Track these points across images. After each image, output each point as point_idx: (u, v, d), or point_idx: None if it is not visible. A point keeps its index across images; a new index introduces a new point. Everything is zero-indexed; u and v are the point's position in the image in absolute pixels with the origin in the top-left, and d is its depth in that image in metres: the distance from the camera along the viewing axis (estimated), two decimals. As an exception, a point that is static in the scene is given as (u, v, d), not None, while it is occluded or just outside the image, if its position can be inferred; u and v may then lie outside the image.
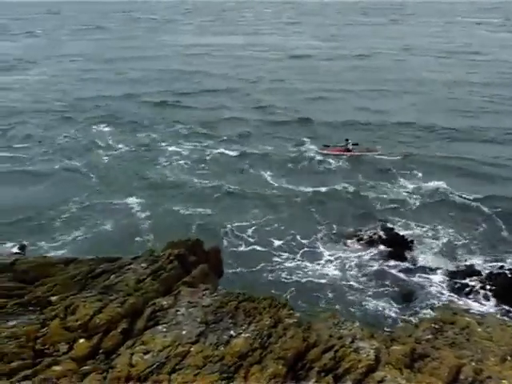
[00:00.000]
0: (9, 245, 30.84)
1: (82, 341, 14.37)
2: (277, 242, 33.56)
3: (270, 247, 32.92)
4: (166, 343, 13.90)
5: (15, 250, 28.63)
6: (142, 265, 18.67)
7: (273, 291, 26.30)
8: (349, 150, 49.78)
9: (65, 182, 42.88)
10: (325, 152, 49.84)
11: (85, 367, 13.41)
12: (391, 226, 34.85)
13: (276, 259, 31.52)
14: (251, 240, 33.79)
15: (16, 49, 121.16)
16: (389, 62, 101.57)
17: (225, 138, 54.60)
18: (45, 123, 60.66)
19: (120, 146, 52.24)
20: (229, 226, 35.44)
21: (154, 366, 13.07)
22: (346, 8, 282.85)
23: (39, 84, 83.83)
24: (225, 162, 48.00)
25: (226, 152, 50.11)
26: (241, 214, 37.30)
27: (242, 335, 14.31)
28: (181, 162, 47.75)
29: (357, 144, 49.59)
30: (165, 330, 14.56)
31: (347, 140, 50.17)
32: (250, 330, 14.51)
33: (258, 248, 32.94)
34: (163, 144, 52.64)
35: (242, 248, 32.86)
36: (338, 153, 49.72)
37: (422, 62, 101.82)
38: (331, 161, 47.87)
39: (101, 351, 14.13)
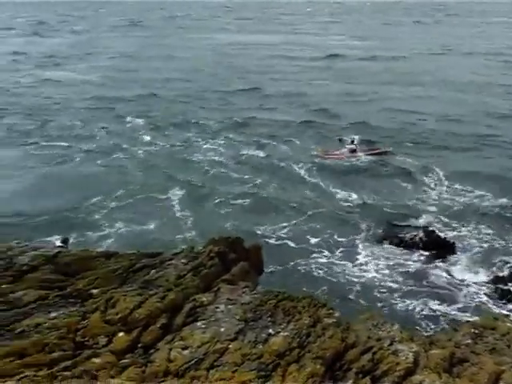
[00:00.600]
0: (52, 238, 31.64)
1: (121, 334, 14.70)
2: (315, 241, 33.55)
3: (309, 246, 32.92)
4: (204, 339, 14.10)
5: (58, 243, 29.24)
6: (183, 261, 18.95)
7: (311, 290, 26.27)
8: (355, 151, 48.98)
9: (106, 176, 43.68)
10: (326, 156, 48.93)
11: (124, 360, 13.71)
12: (431, 228, 34.42)
13: (314, 258, 31.52)
14: (290, 239, 33.82)
15: (60, 45, 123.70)
16: (428, 63, 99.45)
17: (260, 136, 54.64)
18: (84, 118, 61.93)
19: (157, 142, 53.02)
20: (267, 224, 35.58)
21: (192, 361, 13.27)
22: (387, 8, 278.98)
23: (80, 79, 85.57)
24: (260, 160, 48.12)
25: (262, 150, 50.22)
26: (279, 212, 37.40)
27: (281, 334, 14.40)
28: (217, 159, 48.15)
29: (353, 142, 49.36)
30: (204, 326, 14.77)
31: (352, 141, 49.45)
32: (288, 329, 14.60)
33: (297, 246, 32.97)
34: (199, 141, 53.19)
35: (281, 246, 32.92)
36: (342, 156, 48.78)
37: (463, 63, 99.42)
38: (362, 161, 47.50)
39: (140, 345, 14.42)
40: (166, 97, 72.99)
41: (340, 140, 49.71)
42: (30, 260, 20.99)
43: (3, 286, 19.00)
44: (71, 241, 31.10)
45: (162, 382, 12.71)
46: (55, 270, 20.46)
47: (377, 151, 49.51)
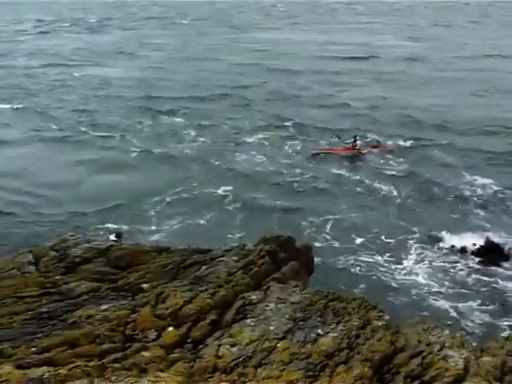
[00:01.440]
0: (106, 232, 32.53)
1: (170, 329, 15.13)
2: (362, 241, 33.22)
3: (357, 246, 32.67)
4: (253, 337, 14.38)
5: (112, 237, 29.95)
6: (234, 258, 19.33)
7: (361, 292, 26.25)
8: (356, 149, 48.23)
9: (157, 172, 44.39)
10: (320, 152, 48.44)
11: (172, 355, 14.12)
12: (484, 231, 33.83)
13: (363, 259, 31.26)
14: (337, 238, 33.79)
15: (105, 43, 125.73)
16: (481, 66, 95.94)
17: (307, 132, 54.51)
18: (127, 114, 62.73)
19: (202, 137, 53.44)
20: (314, 221, 35.64)
21: (241, 359, 13.56)
22: (445, 7, 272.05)
23: (124, 76, 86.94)
24: (307, 157, 48.14)
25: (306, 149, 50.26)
26: (324, 209, 37.30)
27: (330, 334, 14.55)
28: (262, 154, 48.37)
29: (355, 139, 48.38)
30: (253, 324, 15.06)
31: (355, 137, 48.59)
32: (338, 330, 14.74)
33: (345, 246, 32.71)
34: (244, 138, 53.46)
35: (329, 246, 32.86)
36: (342, 152, 48.18)
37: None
38: (404, 159, 47.00)
39: (189, 340, 14.81)
40: (208, 95, 73.34)
41: (338, 137, 49.31)
42: (83, 252, 21.76)
43: (57, 277, 19.79)
44: (124, 236, 31.82)
45: (210, 377, 13.03)
46: (107, 262, 21.18)
47: (380, 149, 49.32)
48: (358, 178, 43.43)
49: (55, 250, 22.48)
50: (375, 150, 48.74)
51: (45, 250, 22.61)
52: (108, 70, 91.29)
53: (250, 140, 52.82)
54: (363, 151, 48.20)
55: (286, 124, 58.09)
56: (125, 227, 33.91)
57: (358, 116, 61.38)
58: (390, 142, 50.76)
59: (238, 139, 53.09)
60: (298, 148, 50.51)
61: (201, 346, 14.45)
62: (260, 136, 54.05)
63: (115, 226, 33.88)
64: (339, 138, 48.59)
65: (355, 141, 48.16)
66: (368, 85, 79.98)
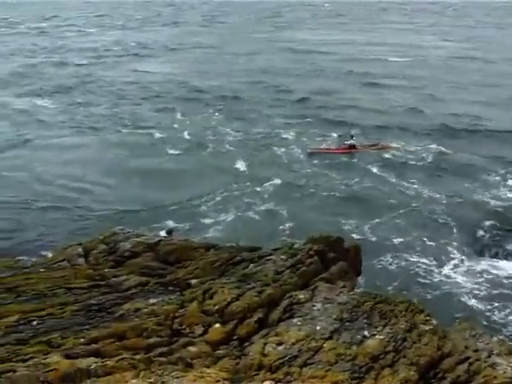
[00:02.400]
0: (157, 228, 33.15)
1: (217, 325, 15.43)
2: (410, 243, 33.19)
3: (405, 249, 32.59)
4: (299, 337, 14.54)
5: (163, 234, 30.49)
6: (282, 257, 19.54)
7: (407, 294, 26.14)
8: (354, 147, 48.40)
9: (203, 167, 44.93)
10: (321, 151, 48.60)
11: (218, 351, 14.41)
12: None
13: (410, 262, 31.13)
14: (384, 238, 33.71)
15: (147, 40, 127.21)
16: None
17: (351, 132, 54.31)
18: (172, 110, 63.94)
19: (242, 134, 53.95)
20: (360, 222, 35.58)
21: (286, 357, 13.73)
22: (498, 7, 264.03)
23: (164, 72, 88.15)
24: (345, 158, 48.05)
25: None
26: (369, 209, 37.20)
27: (376, 337, 14.61)
28: (301, 153, 48.53)
29: (352, 137, 48.73)
30: (299, 323, 15.23)
31: (352, 137, 48.75)
32: (384, 332, 14.78)
33: (392, 248, 32.74)
34: (286, 135, 53.66)
35: (376, 248, 32.78)
36: (340, 151, 48.30)
37: None
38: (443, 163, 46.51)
39: (235, 338, 15.09)
40: (246, 94, 73.44)
41: (339, 136, 49.12)
42: (133, 246, 22.32)
43: (106, 270, 20.38)
44: (175, 232, 32.36)
45: (255, 375, 13.26)
46: (156, 257, 21.68)
47: (378, 147, 48.91)
48: (395, 177, 43.32)
49: (105, 243, 23.14)
50: (373, 149, 48.93)
51: (95, 243, 23.29)
52: (149, 66, 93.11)
53: (286, 136, 53.11)
54: (360, 150, 48.22)
55: (317, 120, 58.14)
56: (174, 223, 34.52)
57: (395, 117, 61.12)
58: (393, 144, 50.70)
59: (277, 135, 53.38)
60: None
61: (246, 344, 14.68)
62: (296, 133, 54.20)
63: (166, 223, 34.56)
64: (352, 136, 49.05)
65: (351, 139, 48.37)
66: (410, 87, 78.69)
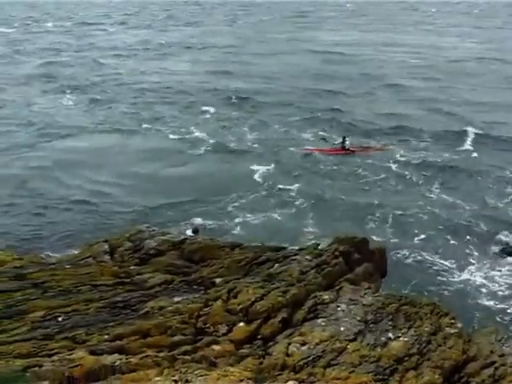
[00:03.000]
0: (183, 227, 33.41)
1: (241, 324, 15.58)
2: (432, 246, 32.88)
3: (433, 253, 32.35)
4: (323, 337, 14.63)
5: (189, 232, 30.71)
6: (307, 257, 19.63)
7: (432, 297, 26.04)
8: (345, 149, 47.69)
9: (227, 167, 45.09)
10: (311, 151, 48.15)
11: (242, 350, 14.56)
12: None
13: (433, 265, 30.89)
14: (413, 243, 33.55)
15: (171, 39, 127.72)
16: None
17: (365, 136, 53.88)
18: (195, 108, 64.22)
19: (260, 135, 53.88)
20: (390, 224, 35.46)
21: (310, 358, 13.84)
22: None
23: (185, 70, 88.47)
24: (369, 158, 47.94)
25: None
26: (396, 215, 37.04)
27: (401, 339, 14.63)
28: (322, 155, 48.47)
29: (344, 139, 47.87)
30: (323, 324, 15.31)
31: (344, 138, 48.06)
32: (408, 335, 14.79)
33: (421, 252, 32.58)
34: (308, 137, 53.68)
35: (404, 251, 32.67)
36: (332, 152, 47.50)
37: None
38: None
39: (259, 337, 15.23)
40: (267, 94, 73.24)
41: (324, 140, 48.79)
42: (158, 244, 22.60)
43: (131, 268, 20.67)
44: (201, 231, 32.60)
45: (279, 375, 13.38)
46: (181, 256, 21.92)
47: (371, 149, 48.68)
48: (412, 179, 43.20)
49: (130, 240, 23.46)
50: (365, 151, 48.74)
51: (120, 241, 23.62)
52: (172, 65, 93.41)
53: (305, 136, 53.15)
54: (352, 152, 48.10)
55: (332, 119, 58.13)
56: (200, 223, 34.74)
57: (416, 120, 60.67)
58: (386, 146, 50.26)
59: (297, 136, 53.46)
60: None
61: (270, 344, 14.82)
62: (315, 134, 54.15)
63: (192, 222, 34.80)
64: (325, 140, 48.69)
65: (344, 141, 48.08)
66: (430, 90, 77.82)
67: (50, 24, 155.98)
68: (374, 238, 32.35)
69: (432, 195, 40.34)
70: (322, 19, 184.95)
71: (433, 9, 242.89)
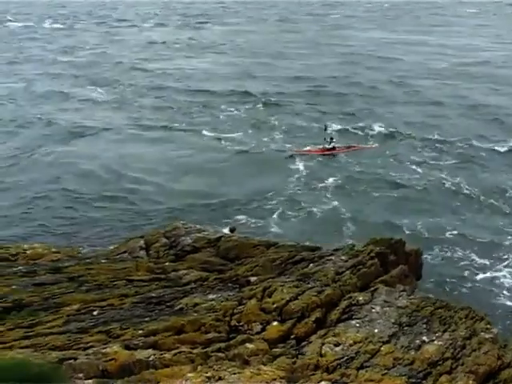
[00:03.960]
0: (220, 225, 33.70)
1: (275, 323, 15.70)
2: (471, 249, 32.75)
3: (471, 256, 32.16)
4: (357, 338, 14.68)
5: (226, 231, 30.99)
6: (342, 258, 19.71)
7: (469, 302, 25.88)
8: (333, 149, 48.15)
9: (262, 166, 45.23)
10: (302, 152, 48.22)
11: (276, 350, 14.68)
12: None
13: (470, 268, 30.79)
14: (449, 246, 33.29)
15: (199, 37, 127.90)
16: None
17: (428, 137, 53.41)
18: (224, 106, 64.78)
19: (292, 133, 53.94)
20: (421, 223, 35.33)
21: (343, 359, 13.90)
22: None
23: (211, 69, 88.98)
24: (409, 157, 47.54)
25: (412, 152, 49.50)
26: (438, 217, 36.76)
27: (435, 342, 14.59)
28: (379, 156, 48.19)
29: (332, 139, 48.22)
30: (358, 325, 15.37)
31: (332, 139, 48.25)
32: (443, 339, 14.74)
33: (457, 255, 32.35)
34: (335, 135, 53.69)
35: (441, 254, 32.43)
36: (319, 152, 47.96)
37: None
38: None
39: (292, 337, 15.35)
40: (295, 93, 72.91)
41: (325, 128, 49.31)
42: (194, 241, 22.90)
43: (166, 264, 20.98)
44: (238, 230, 32.85)
45: (312, 375, 13.48)
46: (216, 253, 22.17)
47: (356, 148, 49.10)
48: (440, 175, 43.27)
49: (166, 237, 23.80)
50: (351, 150, 49.18)
51: (156, 237, 23.97)
52: (199, 63, 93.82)
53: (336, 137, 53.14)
54: (339, 151, 48.08)
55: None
56: (236, 220, 35.04)
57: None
58: (370, 145, 50.76)
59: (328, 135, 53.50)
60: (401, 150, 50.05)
61: (304, 343, 14.89)
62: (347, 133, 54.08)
63: (228, 219, 35.11)
64: (331, 139, 48.91)
65: (331, 142, 47.83)
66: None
67: (78, 23, 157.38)
68: (412, 236, 32.36)
69: (458, 190, 40.20)
70: (350, 17, 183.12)
71: (471, 10, 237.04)
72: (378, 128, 55.54)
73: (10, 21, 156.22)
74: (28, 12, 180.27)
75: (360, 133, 54.67)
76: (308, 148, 49.51)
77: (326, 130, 49.33)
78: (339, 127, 55.99)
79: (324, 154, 48.41)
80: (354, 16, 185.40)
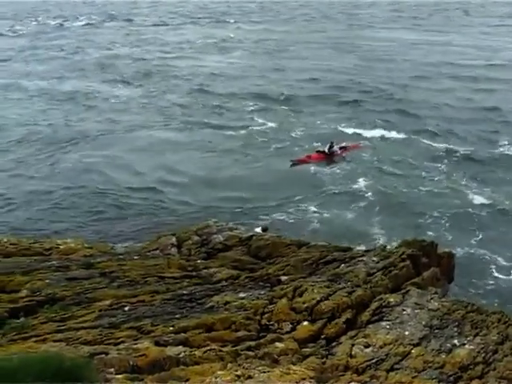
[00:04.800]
0: (252, 224, 33.90)
1: (305, 323, 15.80)
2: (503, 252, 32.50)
3: (503, 260, 31.88)
4: (387, 340, 14.70)
5: (258, 230, 31.17)
6: (374, 259, 19.75)
7: (501, 307, 25.59)
8: (331, 154, 46.75)
9: (296, 167, 45.45)
10: (298, 161, 46.26)
11: (305, 349, 14.78)
12: None
13: (508, 274, 30.49)
14: (481, 249, 32.99)
15: (223, 34, 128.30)
16: None
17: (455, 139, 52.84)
18: (250, 102, 65.52)
19: (316, 133, 53.72)
20: (457, 232, 35.00)
21: (373, 360, 13.93)
22: None
23: (238, 65, 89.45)
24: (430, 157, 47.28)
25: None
26: (469, 219, 36.48)
27: (466, 346, 14.54)
28: (412, 156, 47.88)
29: (332, 144, 46.76)
30: (388, 327, 15.38)
31: (332, 143, 46.81)
32: (475, 343, 14.66)
33: (489, 258, 32.03)
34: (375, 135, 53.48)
35: (473, 257, 32.18)
36: (318, 160, 46.42)
37: None
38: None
39: (322, 337, 15.43)
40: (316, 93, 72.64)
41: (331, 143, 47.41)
42: (225, 239, 23.12)
43: (198, 261, 21.22)
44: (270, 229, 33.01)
45: (342, 376, 13.55)
46: (248, 252, 22.36)
47: (350, 148, 48.30)
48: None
49: (198, 234, 24.06)
50: (345, 152, 48.24)
51: (188, 234, 24.24)
52: (226, 62, 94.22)
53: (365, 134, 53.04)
54: (337, 155, 47.39)
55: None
56: (268, 219, 35.18)
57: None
58: (361, 143, 50.56)
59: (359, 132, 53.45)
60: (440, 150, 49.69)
61: (334, 344, 14.95)
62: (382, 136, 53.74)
63: (260, 218, 35.27)
64: (332, 142, 47.38)
65: (331, 147, 46.82)
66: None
67: (104, 23, 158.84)
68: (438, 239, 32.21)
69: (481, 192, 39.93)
70: (374, 17, 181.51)
71: (506, 8, 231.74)
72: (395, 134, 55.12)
73: (37, 20, 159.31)
74: (55, 11, 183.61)
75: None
76: (306, 155, 47.91)
77: (331, 148, 48.40)
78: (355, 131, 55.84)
79: (324, 160, 47.37)
80: (377, 16, 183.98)
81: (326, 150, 47.36)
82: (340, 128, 55.74)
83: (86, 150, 48.10)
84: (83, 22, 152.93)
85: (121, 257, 21.71)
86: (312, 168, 44.90)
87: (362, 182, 41.76)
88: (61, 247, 23.00)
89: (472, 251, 32.68)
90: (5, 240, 22.91)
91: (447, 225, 35.56)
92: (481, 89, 74.97)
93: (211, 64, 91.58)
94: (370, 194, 39.84)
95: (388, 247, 21.17)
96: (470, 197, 39.77)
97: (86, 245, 24.17)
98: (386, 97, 70.55)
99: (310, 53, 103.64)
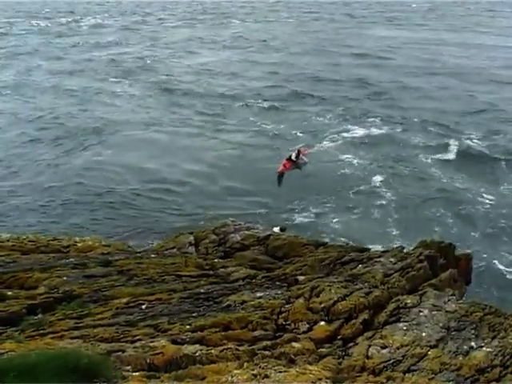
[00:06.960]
0: (270, 224, 34.06)
1: (322, 323, 15.85)
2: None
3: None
4: (404, 342, 14.72)
5: (276, 229, 31.35)
6: (391, 260, 19.77)
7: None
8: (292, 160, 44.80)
9: (318, 167, 45.44)
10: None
11: (322, 349, 14.85)
12: None
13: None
14: (499, 251, 32.89)
15: (238, 33, 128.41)
16: None
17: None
18: (260, 99, 65.88)
19: (339, 133, 53.93)
20: (475, 234, 34.96)
21: (390, 361, 13.95)
22: None
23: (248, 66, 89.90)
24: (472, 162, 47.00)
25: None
26: (487, 222, 36.36)
27: (484, 349, 14.51)
28: (426, 156, 47.77)
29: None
30: (405, 328, 15.40)
31: (299, 150, 45.31)
32: (492, 345, 14.62)
33: (507, 261, 31.96)
34: (388, 132, 53.38)
35: (490, 259, 32.08)
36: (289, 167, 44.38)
37: None
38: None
39: (339, 337, 15.48)
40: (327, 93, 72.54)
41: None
42: (242, 239, 23.24)
43: (215, 261, 21.35)
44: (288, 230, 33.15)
45: (358, 376, 13.60)
46: (265, 251, 22.47)
47: (304, 151, 46.56)
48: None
49: (215, 233, 24.20)
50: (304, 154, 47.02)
51: (205, 233, 24.39)
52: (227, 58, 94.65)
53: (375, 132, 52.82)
54: (298, 160, 46.33)
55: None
56: (285, 219, 35.33)
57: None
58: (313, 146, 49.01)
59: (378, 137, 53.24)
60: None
61: (350, 344, 14.99)
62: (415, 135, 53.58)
63: (277, 218, 35.43)
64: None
65: (299, 153, 46.00)
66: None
67: (110, 23, 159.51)
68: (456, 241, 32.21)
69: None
70: (382, 15, 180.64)
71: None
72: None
73: (48, 19, 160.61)
74: (67, 9, 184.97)
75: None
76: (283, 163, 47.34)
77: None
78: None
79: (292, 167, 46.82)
80: (385, 16, 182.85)
81: (294, 158, 46.96)
82: (334, 125, 55.94)
83: (99, 148, 48.67)
84: (93, 22, 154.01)
85: (138, 255, 21.89)
86: (335, 168, 44.91)
87: (377, 181, 41.80)
88: (79, 245, 23.24)
89: (490, 252, 32.64)
90: (23, 237, 23.18)
91: (464, 227, 35.55)
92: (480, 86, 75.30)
93: (221, 61, 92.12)
94: (391, 193, 39.86)
95: (406, 248, 21.17)
96: (480, 197, 39.81)
97: (103, 243, 24.42)
98: (385, 95, 70.83)
99: (302, 50, 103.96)
